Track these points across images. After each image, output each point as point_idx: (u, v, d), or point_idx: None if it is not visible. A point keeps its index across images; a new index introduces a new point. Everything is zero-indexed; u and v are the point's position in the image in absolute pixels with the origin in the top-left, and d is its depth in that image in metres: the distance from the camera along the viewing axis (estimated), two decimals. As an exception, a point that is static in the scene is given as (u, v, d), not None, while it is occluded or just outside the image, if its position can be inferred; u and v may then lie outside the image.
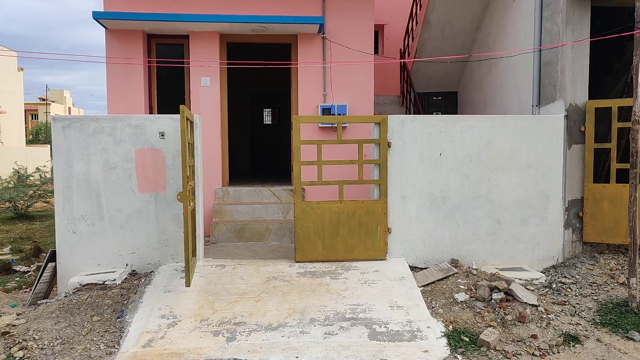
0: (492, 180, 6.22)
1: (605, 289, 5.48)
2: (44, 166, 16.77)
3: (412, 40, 11.00)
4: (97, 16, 7.18)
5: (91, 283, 5.40)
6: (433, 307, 4.99)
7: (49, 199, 13.28)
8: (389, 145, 6.10)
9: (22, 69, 31.60)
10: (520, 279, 5.62)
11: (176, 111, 5.51)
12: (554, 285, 5.63)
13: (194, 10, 7.74)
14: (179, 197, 5.11)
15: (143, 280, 5.51)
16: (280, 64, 8.13)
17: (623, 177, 6.32)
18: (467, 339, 4.39)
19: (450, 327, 4.59)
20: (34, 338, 4.38)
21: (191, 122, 5.70)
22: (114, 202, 5.78)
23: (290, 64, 8.23)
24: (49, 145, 28.75)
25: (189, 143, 5.31)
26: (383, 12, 11.98)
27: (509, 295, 5.02)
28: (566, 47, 6.40)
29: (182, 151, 4.86)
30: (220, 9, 7.82)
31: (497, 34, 8.63)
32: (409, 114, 10.33)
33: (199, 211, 6.00)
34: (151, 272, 5.73)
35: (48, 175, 14.08)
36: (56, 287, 5.87)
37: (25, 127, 37.14)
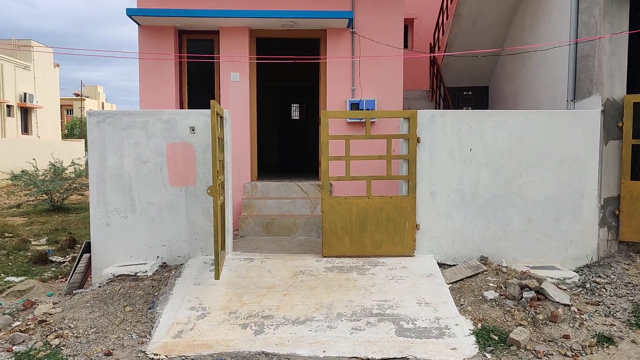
0: (524, 176, 6.09)
1: (642, 289, 5.30)
2: (79, 159, 17.29)
3: (443, 34, 10.82)
4: (131, 13, 7.34)
5: (124, 274, 5.55)
6: (461, 305, 4.93)
7: (83, 192, 13.69)
8: (418, 140, 6.03)
9: (57, 65, 32.55)
10: (552, 278, 5.49)
11: (206, 106, 5.58)
12: (587, 285, 5.48)
13: (225, 6, 7.81)
14: (209, 191, 5.19)
15: (173, 272, 5.63)
16: (309, 58, 8.13)
17: (663, 174, 6.10)
18: (497, 338, 4.32)
19: (479, 325, 4.53)
20: (70, 327, 4.53)
21: (221, 117, 5.77)
22: (146, 196, 5.90)
23: (319, 59, 8.22)
24: (83, 140, 29.59)
25: (219, 138, 5.38)
26: (413, 6, 11.83)
27: (540, 294, 4.92)
28: (604, 40, 6.19)
29: (212, 146, 4.92)
30: (250, 4, 7.87)
31: (530, 27, 8.42)
32: (439, 109, 10.19)
33: (228, 205, 6.08)
34: (181, 264, 5.85)
35: (82, 169, 14.51)
36: (90, 277, 6.05)
37: (61, 121, 38.33)
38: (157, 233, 5.94)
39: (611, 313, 4.87)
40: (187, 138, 5.90)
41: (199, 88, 8.46)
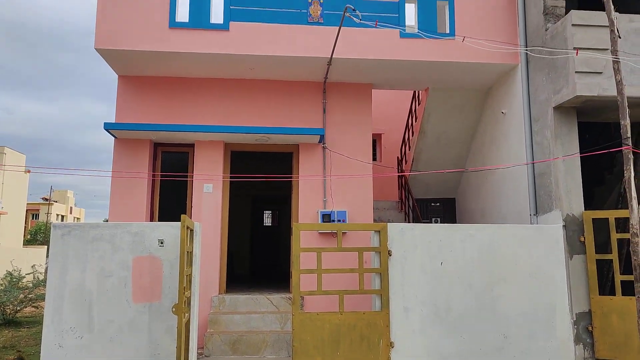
0: (495, 290, 6.08)
1: (625, 413, 5.10)
2: (40, 266, 16.47)
3: (409, 149, 11.39)
4: (108, 127, 7.51)
5: (73, 403, 5.04)
6: None
7: (39, 304, 12.85)
8: (389, 253, 6.05)
9: (29, 171, 32.35)
10: (532, 401, 5.25)
11: (177, 216, 5.54)
12: (569, 408, 5.25)
13: (201, 120, 8.10)
14: (174, 309, 4.96)
15: (129, 399, 5.15)
16: (282, 177, 8.32)
17: (629, 288, 6.19)
18: None
19: None
20: None
21: (191, 230, 5.71)
22: (106, 313, 5.58)
23: (291, 176, 8.45)
24: (46, 247, 28.54)
25: (187, 252, 5.28)
26: (380, 122, 12.55)
27: (523, 421, 4.66)
28: (558, 160, 6.62)
29: (180, 261, 4.81)
30: (225, 120, 8.18)
31: (490, 144, 8.97)
32: (408, 219, 10.39)
33: (194, 322, 5.78)
34: (139, 390, 5.38)
35: (42, 278, 13.78)
36: (35, 406, 5.47)
37: (25, 226, 37.25)
38: (115, 354, 5.52)
39: None
40: (155, 251, 5.76)
41: (172, 197, 8.45)
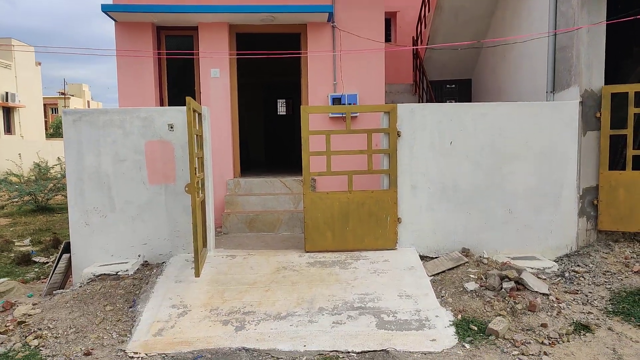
0: (504, 168, 6.12)
1: (619, 277, 5.37)
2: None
3: (425, 27, 10.83)
4: (106, 9, 7.23)
5: (104, 274, 5.50)
6: (442, 296, 4.96)
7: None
8: (398, 134, 6.04)
9: (39, 64, 32.04)
10: (532, 268, 5.54)
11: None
12: (566, 274, 5.54)
13: (203, 1, 7.72)
14: (186, 189, 5.16)
15: (155, 270, 5.59)
16: (289, 53, 8.08)
17: (640, 163, 6.17)
18: (476, 328, 4.36)
19: (459, 316, 4.56)
20: (49, 327, 4.49)
21: (199, 114, 5.72)
22: (125, 194, 5.85)
23: (299, 53, 8.18)
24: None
25: (197, 135, 5.35)
26: (395, -1, 11.83)
27: (520, 285, 4.96)
28: (582, 30, 6.23)
29: (189, 143, 4.89)
30: (229, -1, 7.78)
31: (511, 18, 8.44)
32: (422, 102, 10.21)
33: (209, 202, 6.04)
34: (163, 262, 5.81)
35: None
36: (71, 277, 5.99)
37: (46, 120, 37.85)
38: (138, 231, 5.89)
39: (589, 301, 4.93)
40: (165, 135, 5.86)
41: (180, 85, 8.38)
